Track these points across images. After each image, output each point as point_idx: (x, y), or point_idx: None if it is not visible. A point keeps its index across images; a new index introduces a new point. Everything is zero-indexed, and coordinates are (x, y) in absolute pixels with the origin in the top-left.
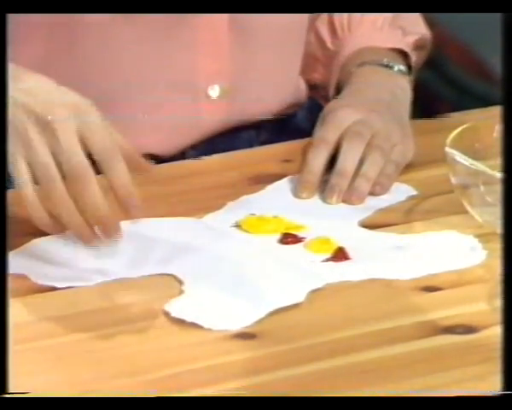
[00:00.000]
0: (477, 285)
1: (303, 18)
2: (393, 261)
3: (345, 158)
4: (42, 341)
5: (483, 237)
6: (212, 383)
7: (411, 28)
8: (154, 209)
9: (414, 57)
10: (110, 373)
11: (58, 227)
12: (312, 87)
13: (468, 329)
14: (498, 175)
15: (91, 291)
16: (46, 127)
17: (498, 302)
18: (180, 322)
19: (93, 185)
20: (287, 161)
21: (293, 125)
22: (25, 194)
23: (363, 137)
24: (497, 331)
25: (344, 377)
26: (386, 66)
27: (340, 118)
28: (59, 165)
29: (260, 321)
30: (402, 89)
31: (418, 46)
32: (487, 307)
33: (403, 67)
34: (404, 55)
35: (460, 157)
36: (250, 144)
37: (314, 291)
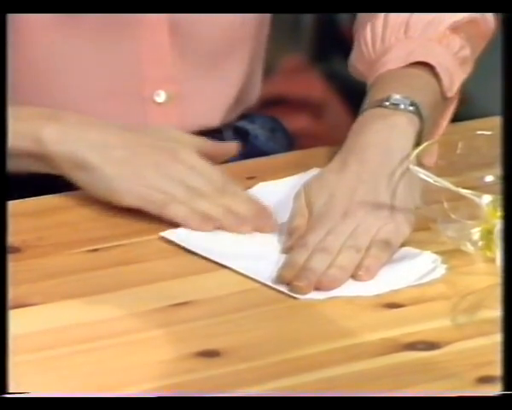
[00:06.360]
0: (439, 302)
1: (244, 25)
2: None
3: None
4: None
5: (446, 254)
6: None
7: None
8: (116, 226)
9: (454, 49)
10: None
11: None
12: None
13: (430, 345)
14: (462, 192)
15: (47, 309)
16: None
17: (461, 319)
18: (144, 340)
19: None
20: (251, 178)
21: (254, 147)
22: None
23: None
24: (459, 348)
25: (307, 393)
26: (393, 105)
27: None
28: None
29: (223, 338)
30: (401, 147)
31: (459, 29)
32: (449, 323)
33: (412, 107)
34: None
35: (424, 174)
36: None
37: (277, 308)
